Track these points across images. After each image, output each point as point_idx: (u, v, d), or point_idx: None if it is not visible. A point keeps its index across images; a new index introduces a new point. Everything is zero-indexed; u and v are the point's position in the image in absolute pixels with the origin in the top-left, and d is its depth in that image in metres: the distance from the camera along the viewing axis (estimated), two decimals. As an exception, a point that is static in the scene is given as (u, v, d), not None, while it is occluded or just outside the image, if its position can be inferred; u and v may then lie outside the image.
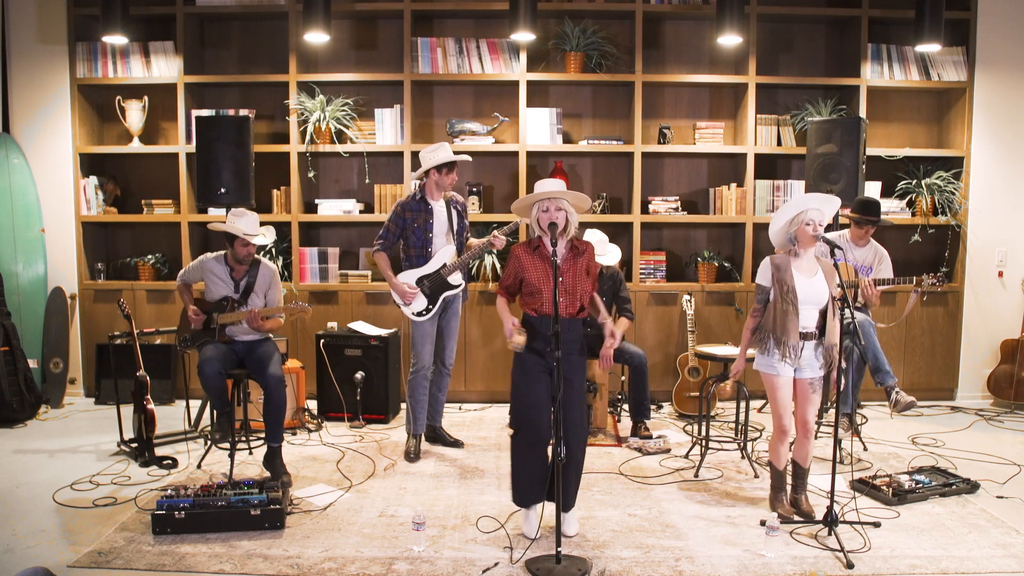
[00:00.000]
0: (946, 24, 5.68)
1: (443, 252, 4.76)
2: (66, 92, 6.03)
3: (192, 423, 5.22)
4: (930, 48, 5.79)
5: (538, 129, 6.06)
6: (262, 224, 4.48)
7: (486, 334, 6.02)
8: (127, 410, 4.87)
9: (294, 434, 5.16)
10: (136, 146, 6.12)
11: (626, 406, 5.37)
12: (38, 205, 6.09)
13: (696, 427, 5.10)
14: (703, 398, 4.62)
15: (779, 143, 6.15)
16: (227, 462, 4.36)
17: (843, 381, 3.67)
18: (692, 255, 6.30)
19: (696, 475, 4.44)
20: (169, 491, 3.73)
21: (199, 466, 4.56)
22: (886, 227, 5.26)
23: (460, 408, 5.97)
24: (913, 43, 5.76)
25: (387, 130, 6.07)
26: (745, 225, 6.09)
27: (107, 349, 5.87)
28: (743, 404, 4.60)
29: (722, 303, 6.12)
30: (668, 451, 4.87)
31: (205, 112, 6.01)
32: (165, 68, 6.04)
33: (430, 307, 4.75)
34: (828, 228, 4.28)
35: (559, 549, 3.29)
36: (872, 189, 6.05)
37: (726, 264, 6.22)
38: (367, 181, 6.24)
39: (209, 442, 4.74)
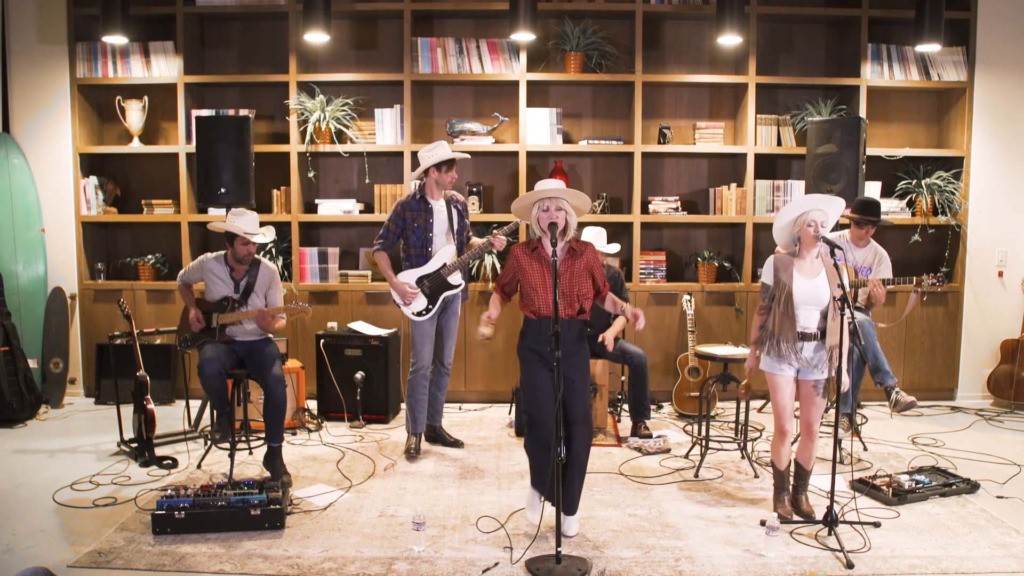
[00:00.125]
0: (946, 24, 5.68)
1: (443, 252, 4.76)
2: (66, 92, 6.03)
3: (192, 423, 5.23)
4: (930, 48, 5.79)
5: (538, 129, 6.06)
6: (262, 224, 4.48)
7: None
8: (127, 410, 4.87)
9: (294, 434, 5.16)
10: (136, 146, 6.12)
11: (626, 406, 5.37)
12: (38, 205, 6.09)
13: (696, 427, 5.10)
14: (703, 398, 4.62)
15: (779, 143, 6.15)
16: (227, 462, 4.36)
17: (845, 381, 3.66)
18: (692, 255, 6.31)
19: (696, 475, 4.44)
20: (169, 491, 3.73)
21: (199, 466, 4.56)
22: (886, 227, 5.26)
23: (460, 408, 5.97)
24: (913, 43, 5.76)
25: (387, 130, 6.07)
26: (745, 225, 6.09)
27: (107, 349, 5.87)
28: (743, 404, 4.60)
29: (722, 303, 6.12)
30: (668, 451, 4.87)
31: (205, 112, 6.01)
32: (165, 68, 6.04)
33: (430, 307, 4.75)
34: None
35: (559, 549, 3.29)
36: (872, 189, 6.05)
37: (726, 264, 6.22)
38: (367, 181, 6.24)
39: (209, 442, 4.74)
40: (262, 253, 5.85)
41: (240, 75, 6.19)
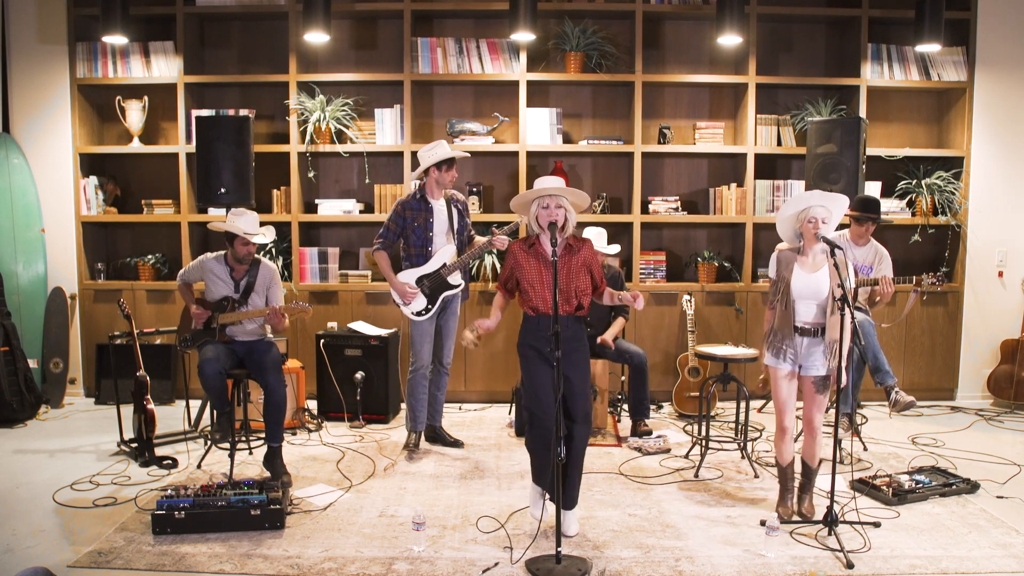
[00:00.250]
0: (946, 24, 5.69)
1: (443, 251, 4.76)
2: (66, 92, 6.03)
3: (192, 423, 5.22)
4: (930, 48, 5.79)
5: (538, 129, 6.06)
6: (262, 224, 4.48)
7: (486, 334, 6.00)
8: (127, 410, 4.87)
9: (294, 434, 5.16)
10: (136, 146, 6.12)
11: (626, 406, 5.37)
12: (38, 205, 6.09)
13: (696, 427, 5.10)
14: (703, 398, 4.62)
15: (779, 143, 6.15)
16: (227, 462, 4.36)
17: (844, 378, 3.66)
18: (692, 255, 6.30)
19: (696, 475, 4.44)
20: (169, 491, 3.73)
21: (199, 466, 4.56)
22: (885, 226, 5.26)
23: (460, 408, 5.97)
24: (913, 43, 5.76)
25: (387, 130, 6.07)
26: (745, 225, 6.09)
27: (107, 349, 5.87)
28: (743, 404, 4.60)
29: (722, 303, 6.12)
30: (668, 451, 4.87)
31: (205, 112, 6.01)
32: (165, 68, 6.04)
33: (429, 307, 4.75)
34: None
35: (559, 549, 3.29)
36: (872, 189, 6.04)
37: (726, 264, 6.22)
38: (367, 181, 6.24)
39: (209, 442, 4.74)
40: (262, 253, 5.84)
41: (240, 75, 6.19)
